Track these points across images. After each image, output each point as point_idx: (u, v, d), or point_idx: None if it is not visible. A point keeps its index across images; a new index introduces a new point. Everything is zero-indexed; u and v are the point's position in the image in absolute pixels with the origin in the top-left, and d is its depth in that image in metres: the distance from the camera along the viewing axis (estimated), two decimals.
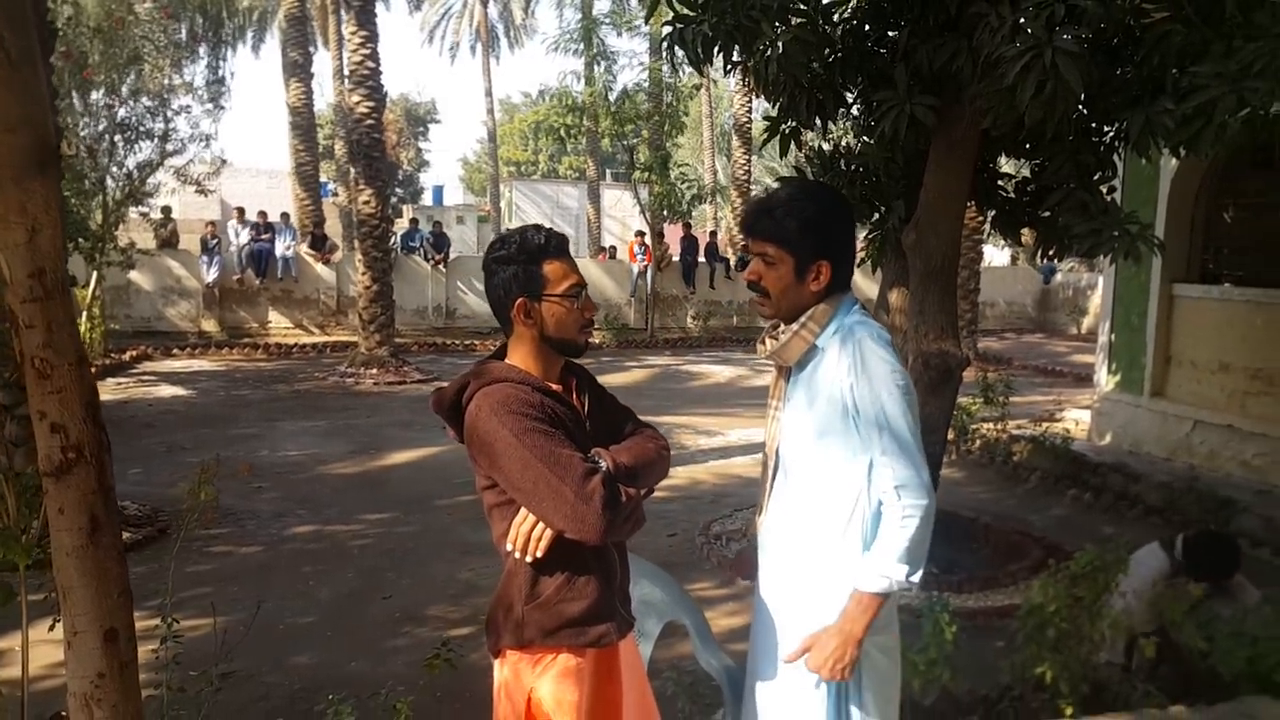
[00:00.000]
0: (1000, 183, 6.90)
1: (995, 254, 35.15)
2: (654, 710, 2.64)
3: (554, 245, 2.40)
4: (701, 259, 22.42)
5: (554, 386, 2.41)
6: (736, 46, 5.81)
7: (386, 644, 5.44)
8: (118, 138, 14.32)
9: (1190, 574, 4.62)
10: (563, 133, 20.71)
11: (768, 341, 2.60)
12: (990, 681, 4.44)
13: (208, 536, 7.08)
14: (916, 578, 2.38)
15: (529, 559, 2.30)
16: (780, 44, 5.55)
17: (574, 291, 2.38)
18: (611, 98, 20.07)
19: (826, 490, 2.48)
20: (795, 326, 2.49)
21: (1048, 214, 6.22)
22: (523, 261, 2.37)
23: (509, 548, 2.34)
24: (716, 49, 5.85)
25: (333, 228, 26.28)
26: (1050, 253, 6.52)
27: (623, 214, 37.27)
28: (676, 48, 6.06)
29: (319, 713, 3.75)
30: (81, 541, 2.76)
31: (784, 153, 6.76)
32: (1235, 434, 8.55)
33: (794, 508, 2.56)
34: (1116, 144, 6.11)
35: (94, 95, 13.99)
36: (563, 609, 2.33)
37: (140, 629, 3.12)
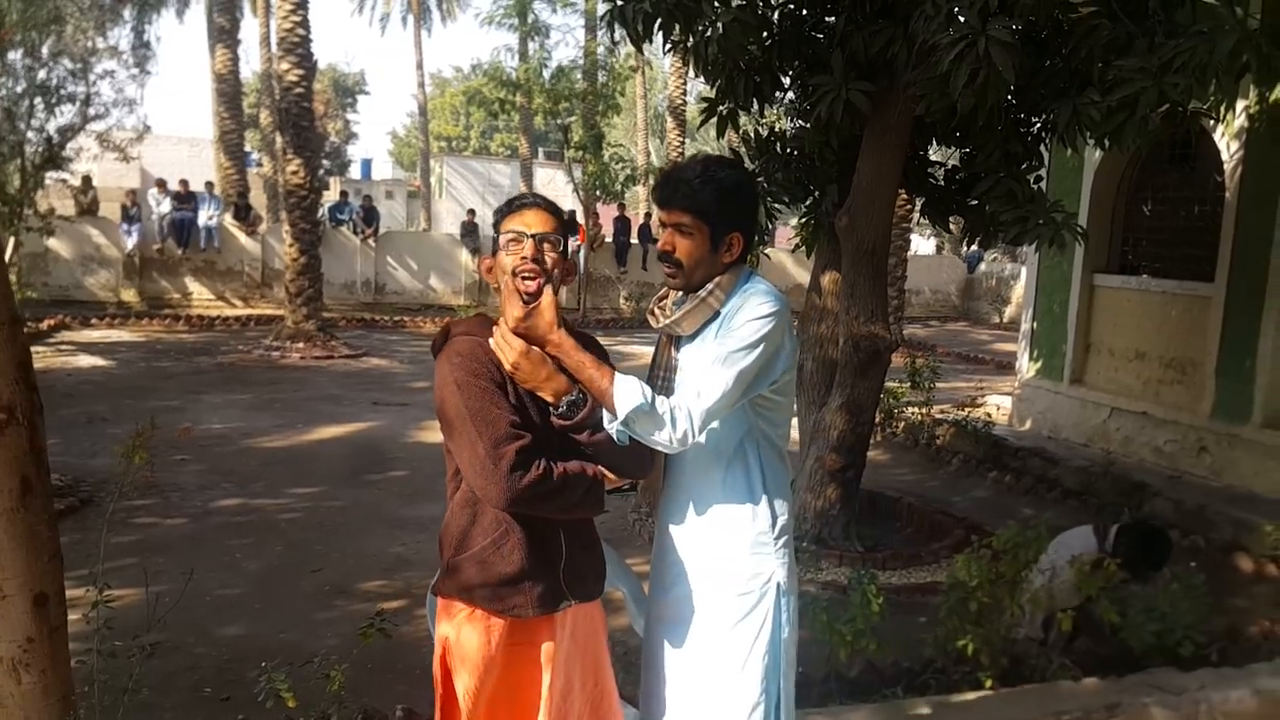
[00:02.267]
0: (930, 170, 7.04)
1: (921, 243, 35.75)
2: (609, 696, 2.64)
3: (516, 203, 2.47)
4: (634, 240, 22.45)
5: None
6: (677, 25, 5.84)
7: (317, 616, 5.38)
8: (38, 100, 13.88)
9: (1124, 563, 4.75)
10: (496, 106, 20.56)
11: (658, 313, 2.61)
12: (913, 655, 4.55)
13: (131, 508, 6.92)
14: (613, 426, 2.38)
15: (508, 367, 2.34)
16: (720, 24, 5.60)
17: (510, 236, 2.40)
18: (546, 74, 19.98)
19: (716, 450, 2.51)
20: (702, 294, 2.50)
21: (976, 201, 6.37)
22: (495, 226, 2.49)
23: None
24: (657, 27, 5.87)
25: (257, 199, 25.77)
26: (977, 240, 6.68)
27: (555, 193, 37.06)
28: (616, 25, 6.09)
29: (250, 681, 3.72)
30: (12, 504, 2.72)
31: (721, 134, 6.83)
32: (1149, 421, 8.84)
33: (689, 476, 2.58)
34: (1044, 135, 6.28)
35: (12, 55, 13.53)
36: (484, 568, 2.36)
37: (68, 598, 3.08)
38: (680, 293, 2.59)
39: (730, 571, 2.53)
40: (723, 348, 2.41)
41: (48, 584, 2.89)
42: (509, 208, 2.47)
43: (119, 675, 3.61)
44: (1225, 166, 8.16)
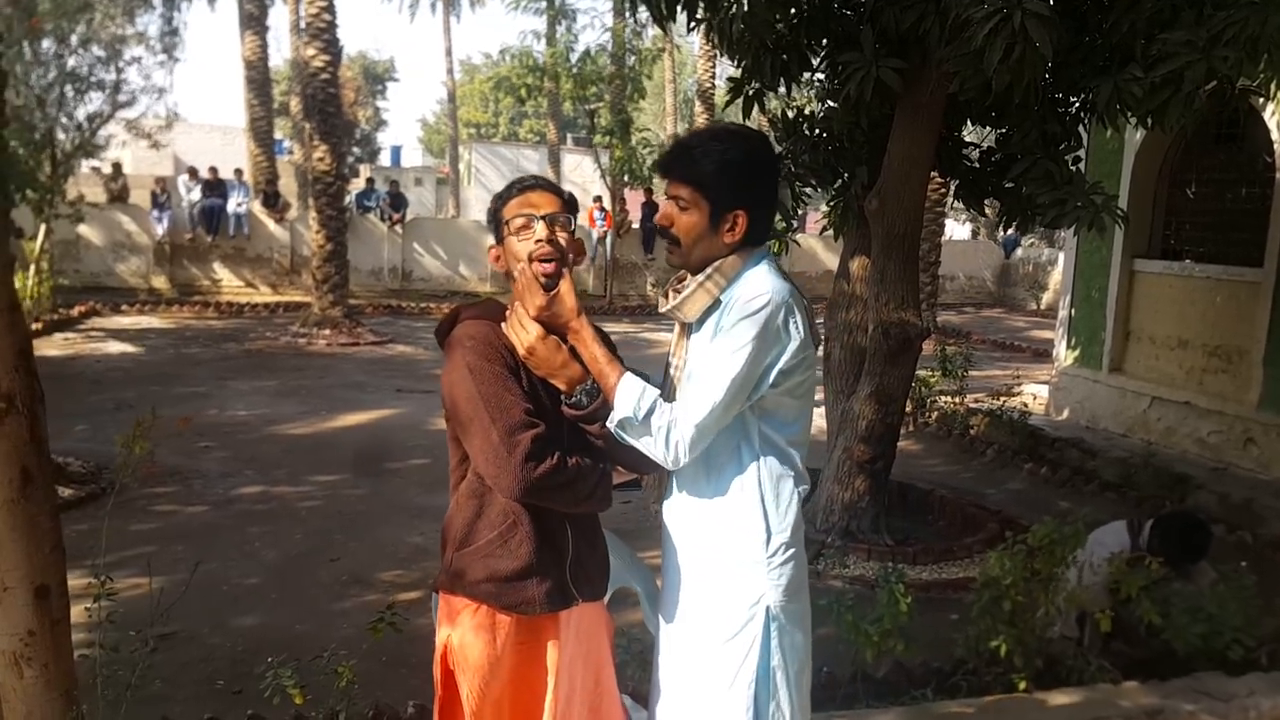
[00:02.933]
0: (965, 151, 6.83)
1: (956, 228, 35.35)
2: (610, 697, 2.52)
3: (518, 186, 2.36)
4: None
5: None
6: (701, 2, 5.68)
7: (333, 607, 5.32)
8: (67, 88, 13.91)
9: (1157, 556, 4.57)
10: (523, 92, 20.42)
11: (670, 295, 2.43)
12: (943, 654, 4.39)
13: (152, 495, 6.91)
14: (613, 423, 2.25)
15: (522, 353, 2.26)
16: (745, 0, 5.42)
17: (519, 220, 2.29)
18: (573, 58, 19.81)
19: (707, 457, 2.32)
20: (700, 278, 2.33)
21: (1012, 184, 6.16)
22: (491, 213, 2.38)
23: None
24: (680, 4, 5.71)
25: (287, 186, 25.80)
26: (1014, 224, 6.48)
27: (583, 179, 36.94)
28: (639, 3, 5.93)
29: (260, 675, 3.64)
30: (12, 495, 2.71)
31: (746, 115, 6.64)
32: (1192, 411, 8.59)
33: (683, 481, 2.40)
34: (1083, 114, 6.06)
35: (43, 44, 13.55)
36: (490, 563, 2.26)
37: (81, 588, 3.01)
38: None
39: (719, 588, 2.35)
40: (714, 353, 2.24)
41: (49, 576, 2.87)
42: (510, 192, 2.36)
43: (126, 667, 3.53)
44: (1276, 146, 7.86)
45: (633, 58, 21.14)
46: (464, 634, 2.28)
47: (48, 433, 2.80)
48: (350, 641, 4.66)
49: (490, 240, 2.42)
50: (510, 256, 2.31)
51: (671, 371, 2.46)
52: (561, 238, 2.29)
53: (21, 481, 2.71)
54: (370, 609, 4.88)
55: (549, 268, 2.27)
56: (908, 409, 9.46)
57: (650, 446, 2.23)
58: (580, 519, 2.37)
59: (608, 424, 2.26)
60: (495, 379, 2.19)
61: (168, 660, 4.53)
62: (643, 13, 6.07)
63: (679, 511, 2.42)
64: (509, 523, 2.26)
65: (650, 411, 2.21)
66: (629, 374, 2.26)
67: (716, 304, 2.32)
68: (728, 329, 2.24)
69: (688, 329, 2.43)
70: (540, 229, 2.27)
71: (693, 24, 6.04)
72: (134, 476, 3.55)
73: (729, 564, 2.34)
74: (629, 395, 2.22)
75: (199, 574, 5.57)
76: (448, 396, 2.26)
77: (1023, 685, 3.96)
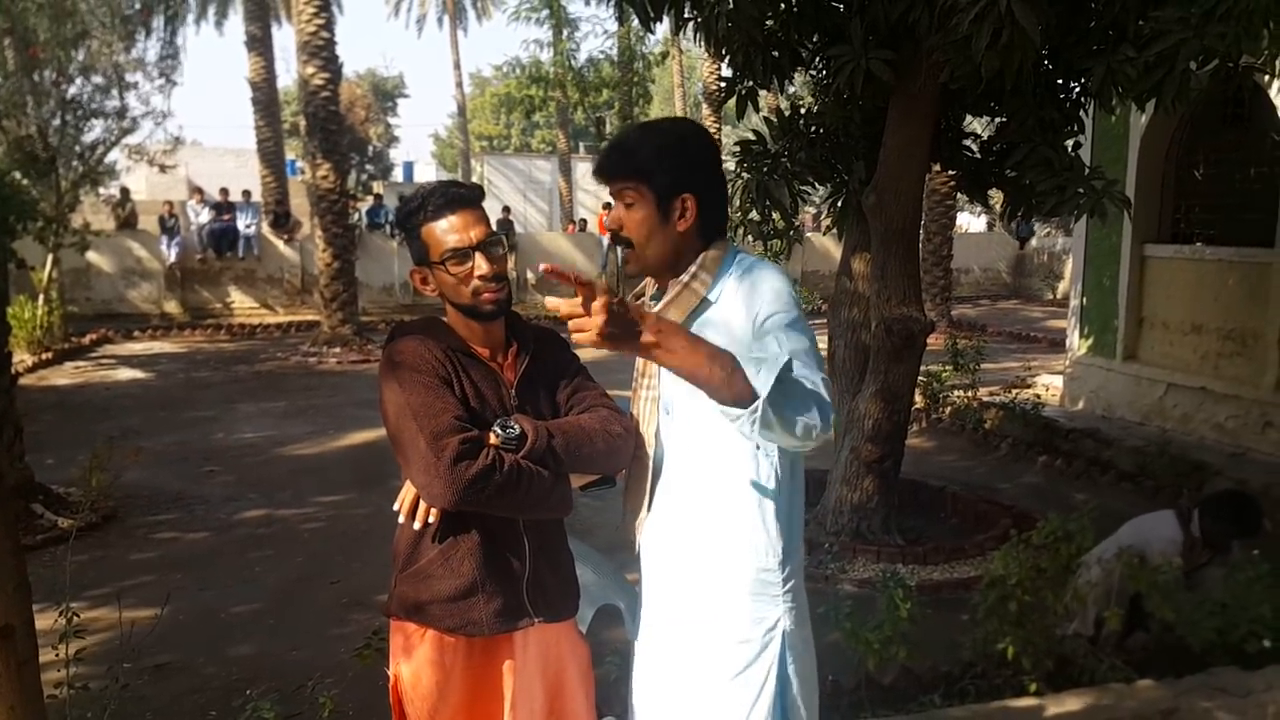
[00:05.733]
0: (966, 142, 6.70)
1: (972, 221, 35.09)
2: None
3: (431, 207, 2.18)
4: None
5: (477, 349, 2.24)
6: (687, 1, 5.58)
7: (331, 631, 5.22)
8: (68, 116, 13.92)
9: (1214, 540, 4.47)
10: (527, 105, 20.38)
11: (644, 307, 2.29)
12: (954, 657, 4.27)
13: (153, 523, 6.87)
14: (744, 421, 1.79)
15: (415, 525, 2.13)
16: None
17: (450, 255, 2.15)
18: (575, 65, 19.80)
19: (723, 462, 2.14)
20: (684, 279, 2.15)
21: (1013, 173, 6.03)
22: (406, 231, 2.24)
23: (395, 508, 2.18)
24: (666, 5, 5.61)
25: (300, 206, 25.79)
26: (1019, 213, 6.35)
27: (595, 186, 36.91)
28: (626, 4, 5.84)
29: (247, 705, 3.55)
30: None
31: (740, 114, 6.54)
32: (1208, 396, 8.41)
33: (684, 493, 2.20)
34: (1083, 99, 5.93)
35: (44, 73, 13.55)
36: (432, 584, 2.15)
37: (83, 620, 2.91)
38: (657, 284, 2.25)
39: (726, 617, 2.14)
40: (775, 320, 2.02)
41: (13, 615, 2.74)
42: (426, 209, 2.18)
43: (104, 707, 3.45)
44: None
45: (640, 63, 21.08)
46: (411, 661, 2.19)
47: (4, 466, 2.72)
48: (347, 667, 4.58)
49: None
50: (445, 286, 2.19)
51: (642, 394, 2.27)
52: (500, 260, 2.19)
53: None
54: (368, 633, 4.79)
55: (499, 296, 2.18)
56: (920, 405, 9.33)
57: (804, 418, 1.82)
58: (542, 534, 2.25)
59: (737, 423, 1.81)
60: (425, 388, 2.09)
61: (160, 692, 4.46)
62: (632, 17, 5.97)
63: (674, 531, 2.22)
64: (450, 539, 2.15)
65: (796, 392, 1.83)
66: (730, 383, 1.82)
67: (704, 303, 2.14)
68: (769, 294, 2.06)
69: None
70: (482, 264, 2.15)
71: (679, 24, 5.94)
72: (94, 512, 3.47)
73: (738, 588, 2.15)
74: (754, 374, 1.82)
75: (197, 602, 5.54)
76: (382, 414, 2.16)
77: (1034, 687, 3.83)
